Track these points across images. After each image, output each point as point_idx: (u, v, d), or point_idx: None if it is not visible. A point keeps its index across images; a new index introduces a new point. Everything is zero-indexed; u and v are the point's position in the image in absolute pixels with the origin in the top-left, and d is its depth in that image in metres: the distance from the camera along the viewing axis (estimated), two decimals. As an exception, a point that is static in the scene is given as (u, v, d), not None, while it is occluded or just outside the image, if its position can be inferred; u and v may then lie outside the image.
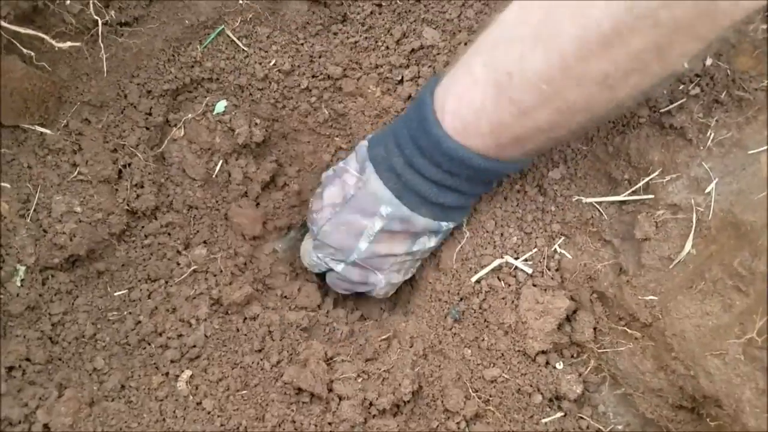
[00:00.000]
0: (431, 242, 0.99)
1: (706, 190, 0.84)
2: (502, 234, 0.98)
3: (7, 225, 0.86)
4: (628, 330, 0.92)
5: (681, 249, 0.86)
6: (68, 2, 0.88)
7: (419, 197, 0.90)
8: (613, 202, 0.94)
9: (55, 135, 0.91)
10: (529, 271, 0.95)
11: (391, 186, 0.90)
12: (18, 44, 0.83)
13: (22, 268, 0.87)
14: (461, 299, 0.99)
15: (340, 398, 0.92)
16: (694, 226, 0.84)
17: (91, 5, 0.85)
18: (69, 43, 0.80)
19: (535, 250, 0.96)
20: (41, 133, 0.90)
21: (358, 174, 0.93)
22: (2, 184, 0.85)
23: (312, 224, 1.01)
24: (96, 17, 0.87)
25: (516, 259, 0.96)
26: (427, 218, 0.92)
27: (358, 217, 0.94)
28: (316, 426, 0.90)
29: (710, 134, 0.85)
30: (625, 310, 0.92)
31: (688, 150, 0.87)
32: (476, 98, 0.77)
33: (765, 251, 0.77)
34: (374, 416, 0.91)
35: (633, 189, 0.91)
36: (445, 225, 0.95)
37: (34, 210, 0.88)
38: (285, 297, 1.07)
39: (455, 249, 1.00)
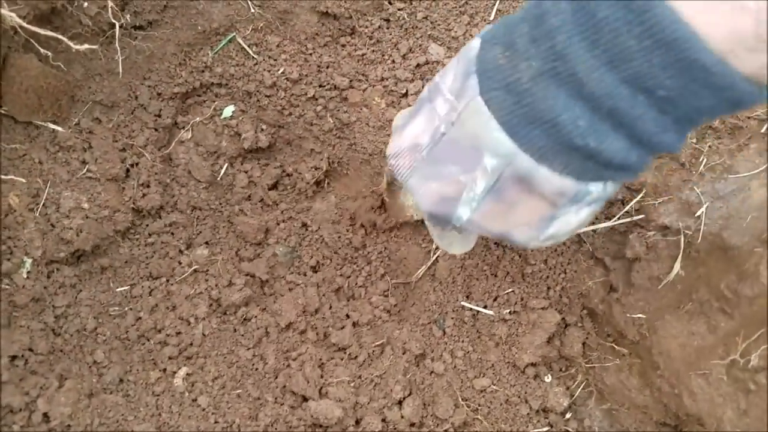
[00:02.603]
0: (578, 215, 0.56)
1: (697, 214, 0.86)
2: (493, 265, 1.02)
3: (17, 218, 0.88)
4: (616, 347, 0.95)
5: (670, 270, 0.88)
6: (86, 5, 0.91)
7: (554, 134, 0.49)
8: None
9: (67, 132, 0.94)
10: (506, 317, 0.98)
11: (505, 116, 0.50)
12: (36, 44, 0.86)
13: (29, 261, 0.89)
14: (453, 310, 1.02)
15: (332, 402, 0.94)
16: (683, 248, 0.87)
17: (109, 9, 0.88)
18: (86, 46, 0.83)
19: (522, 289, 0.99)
20: (53, 130, 0.93)
21: (454, 97, 0.55)
22: (14, 178, 0.87)
23: (394, 173, 0.64)
24: (113, 20, 0.90)
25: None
26: (564, 176, 0.51)
27: (452, 168, 0.57)
28: (307, 427, 0.92)
29: (703, 159, 0.87)
30: (613, 327, 0.94)
31: (680, 174, 0.89)
32: None
33: (751, 275, 0.79)
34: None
35: (625, 210, 0.94)
36: (595, 188, 0.53)
37: (43, 204, 0.90)
38: (282, 300, 1.09)
39: (453, 262, 1.03)
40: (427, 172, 0.59)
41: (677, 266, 0.88)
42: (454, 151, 0.56)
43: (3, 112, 0.88)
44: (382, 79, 1.08)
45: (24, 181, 0.90)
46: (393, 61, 1.07)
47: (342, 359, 1.02)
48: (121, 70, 0.96)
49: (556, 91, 0.47)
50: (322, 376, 0.98)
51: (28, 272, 0.89)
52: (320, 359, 1.01)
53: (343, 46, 1.08)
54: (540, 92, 0.47)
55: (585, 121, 0.46)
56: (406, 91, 1.07)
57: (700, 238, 0.85)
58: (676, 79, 0.42)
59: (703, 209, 0.86)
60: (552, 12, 0.46)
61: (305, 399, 0.96)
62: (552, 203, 0.54)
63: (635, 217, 0.93)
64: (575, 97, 0.46)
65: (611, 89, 0.44)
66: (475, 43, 0.53)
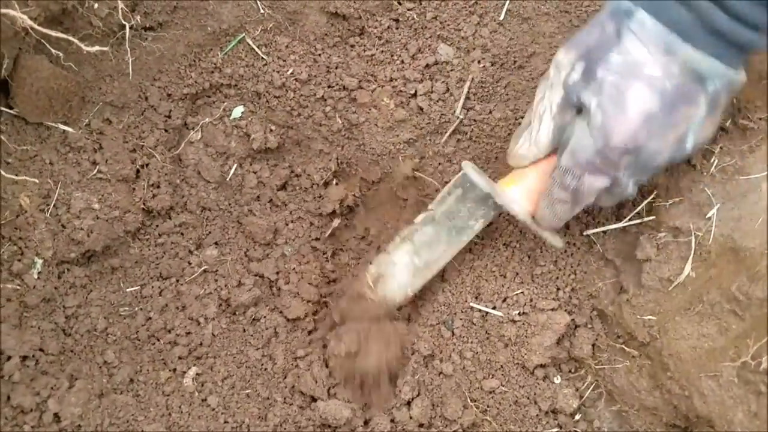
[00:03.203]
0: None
1: (708, 215, 0.86)
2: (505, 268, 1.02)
3: (27, 219, 0.89)
4: (626, 348, 0.94)
5: (681, 271, 0.88)
6: (96, 6, 0.91)
7: (743, 50, 0.74)
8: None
9: (77, 133, 0.94)
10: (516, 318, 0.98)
11: (713, 50, 0.72)
12: (47, 45, 0.86)
13: (40, 261, 0.89)
14: (462, 311, 1.01)
15: (341, 402, 0.94)
16: (693, 249, 0.86)
17: (120, 10, 0.88)
18: (97, 48, 0.83)
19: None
20: (64, 131, 0.93)
21: (665, 56, 0.73)
22: (26, 178, 0.87)
23: (620, 158, 0.78)
24: (123, 21, 0.90)
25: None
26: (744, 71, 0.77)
27: (681, 109, 0.75)
28: (316, 427, 0.93)
29: (714, 161, 0.87)
30: (623, 329, 0.94)
31: (691, 175, 0.89)
32: None
33: (762, 277, 0.79)
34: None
35: (636, 211, 0.93)
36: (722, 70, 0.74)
37: (54, 205, 0.91)
38: (292, 300, 1.09)
39: (463, 262, 1.03)
40: (664, 127, 0.75)
41: (688, 268, 0.87)
42: (681, 93, 0.73)
43: (14, 113, 0.89)
44: (391, 80, 1.08)
45: (35, 181, 0.90)
46: (402, 62, 1.07)
47: (351, 358, 1.02)
48: (131, 72, 0.96)
49: (741, 27, 0.69)
50: (330, 376, 0.98)
51: (39, 273, 0.89)
52: (328, 360, 1.01)
53: (352, 46, 1.08)
54: (734, 29, 0.69)
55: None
56: (415, 91, 1.07)
57: (711, 240, 0.85)
58: None
59: (714, 210, 0.85)
60: None
61: (314, 399, 0.97)
62: (735, 93, 0.78)
63: (646, 219, 0.93)
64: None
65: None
66: (641, 15, 0.73)
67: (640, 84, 0.74)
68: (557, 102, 0.81)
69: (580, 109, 0.80)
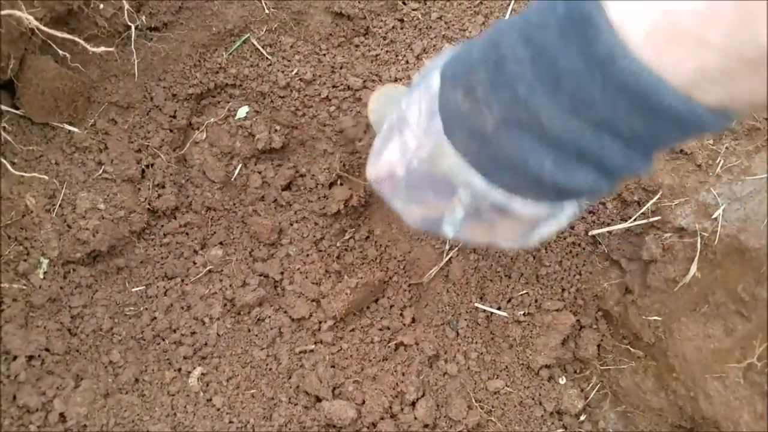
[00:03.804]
0: (559, 223, 0.59)
1: (713, 216, 0.85)
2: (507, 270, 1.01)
3: (33, 219, 0.89)
4: (632, 349, 0.94)
5: (686, 272, 0.88)
6: (101, 6, 0.92)
7: (522, 174, 0.50)
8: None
9: (83, 133, 0.94)
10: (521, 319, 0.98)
11: (472, 159, 0.53)
12: (53, 45, 0.87)
13: (46, 261, 0.90)
14: (467, 312, 1.01)
15: (346, 402, 0.94)
16: (699, 250, 0.86)
17: (125, 11, 0.88)
18: (102, 48, 0.83)
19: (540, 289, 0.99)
20: (69, 131, 0.94)
21: (422, 133, 0.57)
22: (35, 175, 0.88)
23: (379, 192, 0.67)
24: (128, 22, 0.90)
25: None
26: (537, 202, 0.54)
27: (430, 195, 0.60)
28: (320, 427, 0.93)
29: (720, 161, 0.87)
30: (629, 329, 0.94)
31: (697, 175, 0.89)
32: None
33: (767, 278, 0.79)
34: (381, 419, 0.93)
35: (641, 211, 0.93)
36: (570, 205, 0.57)
37: (60, 205, 0.91)
38: (296, 300, 1.09)
39: (467, 263, 1.03)
40: (408, 197, 0.62)
41: (694, 268, 0.87)
42: (429, 181, 0.57)
43: (20, 113, 0.89)
44: (396, 80, 1.07)
45: (41, 180, 0.90)
46: (407, 62, 1.07)
47: (355, 360, 1.02)
48: (136, 72, 0.96)
49: (520, 137, 0.47)
50: (335, 377, 0.98)
51: (45, 273, 0.90)
52: (333, 359, 1.01)
53: (357, 46, 1.08)
54: (504, 139, 0.48)
55: (551, 162, 0.47)
56: (420, 91, 1.06)
57: (716, 240, 0.85)
58: (642, 122, 0.42)
59: (719, 211, 0.85)
60: (510, 59, 0.45)
61: (318, 399, 0.97)
62: (530, 222, 0.57)
63: (651, 219, 0.93)
64: (540, 140, 0.46)
65: (576, 133, 0.44)
66: (435, 81, 0.54)
67: (397, 142, 0.61)
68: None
69: None
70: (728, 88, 0.41)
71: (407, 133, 0.59)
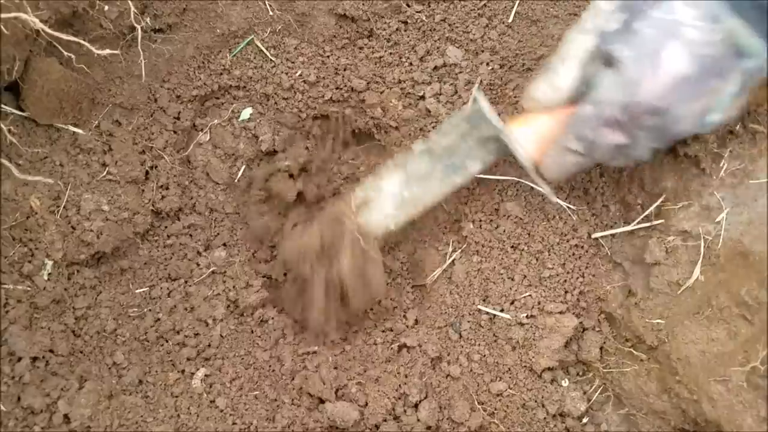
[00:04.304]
0: None
1: (717, 219, 0.85)
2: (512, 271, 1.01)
3: (38, 220, 0.89)
4: (634, 351, 0.94)
5: (689, 275, 0.88)
6: (106, 8, 0.92)
7: None
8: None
9: (87, 135, 0.94)
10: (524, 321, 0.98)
11: (759, 28, 0.71)
12: (58, 47, 0.87)
13: (50, 263, 0.90)
14: (470, 314, 1.01)
15: (349, 404, 0.95)
16: (702, 253, 0.86)
17: (132, 13, 0.88)
18: (108, 51, 0.83)
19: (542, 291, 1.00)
20: (74, 132, 0.94)
21: (710, 23, 0.71)
22: (43, 179, 0.88)
23: (662, 107, 0.75)
24: (135, 24, 0.90)
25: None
26: None
27: (712, 82, 0.73)
28: (324, 429, 0.93)
29: (723, 164, 0.87)
30: (632, 332, 0.94)
31: (701, 179, 0.89)
32: None
33: (771, 282, 0.79)
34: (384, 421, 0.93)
35: (645, 214, 0.93)
36: None
37: (64, 207, 0.91)
38: (300, 302, 1.09)
39: (470, 265, 1.03)
40: (693, 94, 0.73)
41: (697, 271, 0.87)
42: (716, 65, 0.71)
43: (24, 115, 0.89)
44: (400, 82, 1.08)
45: (46, 183, 0.90)
46: (410, 64, 1.07)
47: (358, 361, 1.02)
48: (144, 74, 0.96)
49: None
50: (338, 378, 0.99)
51: (49, 274, 0.90)
52: (336, 361, 1.01)
53: (361, 48, 1.08)
54: None
55: None
56: (423, 93, 1.07)
57: (720, 244, 0.85)
58: None
59: (723, 214, 0.85)
60: None
61: (321, 401, 0.97)
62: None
63: (655, 222, 0.93)
64: None
65: None
66: None
67: (679, 45, 0.72)
68: (589, 49, 0.79)
69: (609, 62, 0.77)
70: None
71: (686, 31, 0.71)
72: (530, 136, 0.85)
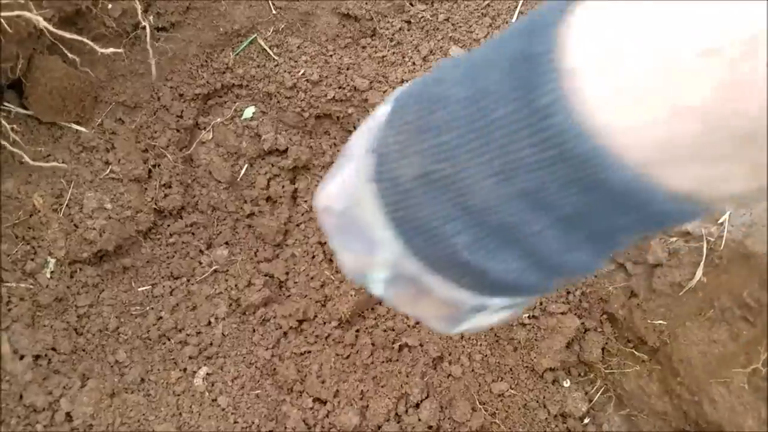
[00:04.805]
0: (491, 319, 0.47)
1: (720, 221, 0.85)
2: None
3: (40, 218, 0.89)
4: (636, 352, 0.94)
5: (692, 276, 0.88)
6: (110, 6, 0.92)
7: (435, 245, 0.40)
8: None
9: (90, 133, 0.94)
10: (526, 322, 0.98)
11: (391, 213, 0.41)
12: (60, 45, 0.87)
13: (53, 261, 0.90)
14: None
15: (348, 404, 0.95)
16: (705, 254, 0.86)
17: (139, 12, 0.88)
18: (111, 49, 0.83)
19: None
20: (77, 130, 0.94)
21: (355, 171, 0.46)
22: (38, 177, 0.88)
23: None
24: (142, 22, 0.90)
25: None
26: (458, 288, 0.43)
27: (357, 246, 0.49)
28: (324, 428, 0.93)
29: (726, 166, 0.87)
30: (634, 333, 0.94)
31: (703, 180, 0.89)
32: None
33: (774, 284, 0.79)
34: (387, 421, 0.93)
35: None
36: (500, 301, 0.44)
37: (67, 205, 0.91)
38: (301, 300, 1.09)
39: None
40: (341, 240, 0.50)
41: (699, 273, 0.87)
42: (356, 229, 0.46)
43: (28, 113, 0.89)
44: (402, 81, 1.07)
45: (47, 182, 0.90)
46: (413, 63, 1.07)
47: (359, 361, 1.02)
48: (153, 72, 0.96)
49: (437, 198, 0.37)
50: (339, 378, 0.99)
51: (52, 272, 0.90)
52: (336, 361, 1.01)
53: (364, 47, 1.08)
54: (420, 196, 0.38)
55: (469, 236, 0.37)
56: (426, 92, 1.06)
57: (722, 245, 0.85)
58: (580, 197, 0.33)
59: (726, 216, 0.85)
60: (444, 100, 0.36)
61: (323, 401, 0.97)
62: (454, 308, 0.45)
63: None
64: (458, 207, 0.37)
65: (500, 203, 0.35)
66: (384, 109, 0.43)
67: (339, 175, 0.47)
68: None
69: None
70: (700, 171, 0.31)
71: (348, 166, 0.46)
72: None
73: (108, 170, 0.95)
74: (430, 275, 0.41)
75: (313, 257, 1.09)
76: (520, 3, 1.03)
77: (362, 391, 0.98)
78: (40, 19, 0.80)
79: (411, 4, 1.06)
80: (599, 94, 0.29)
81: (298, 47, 1.06)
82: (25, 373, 0.84)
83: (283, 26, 1.05)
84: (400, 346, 1.04)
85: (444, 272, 0.41)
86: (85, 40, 0.85)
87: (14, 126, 0.87)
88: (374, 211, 0.41)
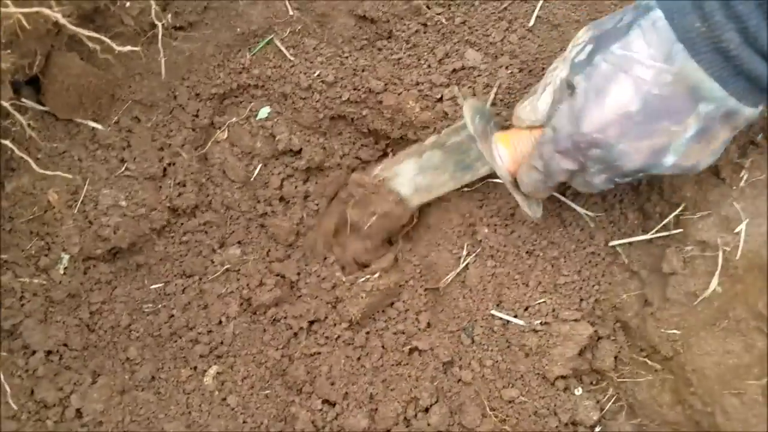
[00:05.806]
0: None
1: (736, 230, 0.84)
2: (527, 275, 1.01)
3: (55, 215, 0.90)
4: (649, 362, 0.94)
5: (707, 286, 0.87)
6: (128, 4, 0.92)
7: (756, 83, 0.67)
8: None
9: (106, 131, 0.95)
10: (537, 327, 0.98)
11: (716, 72, 0.67)
12: (78, 43, 0.87)
13: (66, 257, 0.90)
14: (483, 319, 1.01)
15: (357, 406, 0.95)
16: (720, 264, 0.85)
17: (153, 10, 0.89)
18: (129, 47, 0.83)
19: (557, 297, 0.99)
20: (93, 128, 0.94)
21: (662, 63, 0.69)
22: (62, 174, 0.88)
23: (602, 144, 0.75)
24: (156, 21, 0.91)
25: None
26: (754, 107, 0.70)
27: (664, 123, 0.71)
28: (332, 431, 0.93)
29: (744, 175, 0.86)
30: (647, 342, 0.93)
31: (720, 189, 0.88)
32: None
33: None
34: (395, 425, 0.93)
35: (663, 223, 0.92)
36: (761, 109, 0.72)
37: (82, 202, 0.92)
38: (312, 301, 1.09)
39: (484, 269, 1.02)
40: (639, 133, 0.72)
41: (714, 283, 0.86)
42: (667, 106, 0.70)
43: (44, 109, 0.90)
44: (417, 84, 1.07)
45: (64, 177, 0.91)
46: (429, 66, 1.07)
47: (369, 363, 1.02)
48: (164, 71, 0.96)
49: (756, 56, 0.64)
50: (348, 380, 0.99)
51: (65, 268, 0.91)
52: (346, 362, 1.01)
53: (380, 49, 1.08)
54: (746, 56, 0.64)
55: None
56: (441, 96, 1.06)
57: (738, 255, 0.84)
58: None
59: (742, 226, 0.84)
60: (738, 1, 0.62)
61: (332, 403, 0.97)
62: (736, 129, 0.73)
63: (673, 231, 0.92)
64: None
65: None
66: (657, 16, 0.68)
67: (627, 81, 0.71)
68: (561, 77, 0.81)
69: (571, 91, 0.78)
70: None
71: (637, 68, 0.70)
72: (508, 152, 0.91)
73: (123, 168, 0.95)
74: (741, 106, 0.68)
75: (325, 258, 1.09)
76: (538, 6, 1.03)
77: (371, 393, 0.97)
78: (59, 15, 0.80)
79: (427, 7, 1.05)
80: None
81: (314, 48, 1.06)
82: (37, 369, 0.84)
83: (299, 27, 1.05)
84: (410, 349, 1.04)
85: (754, 99, 0.69)
86: (103, 37, 0.85)
87: (31, 122, 0.87)
88: (700, 77, 0.67)
